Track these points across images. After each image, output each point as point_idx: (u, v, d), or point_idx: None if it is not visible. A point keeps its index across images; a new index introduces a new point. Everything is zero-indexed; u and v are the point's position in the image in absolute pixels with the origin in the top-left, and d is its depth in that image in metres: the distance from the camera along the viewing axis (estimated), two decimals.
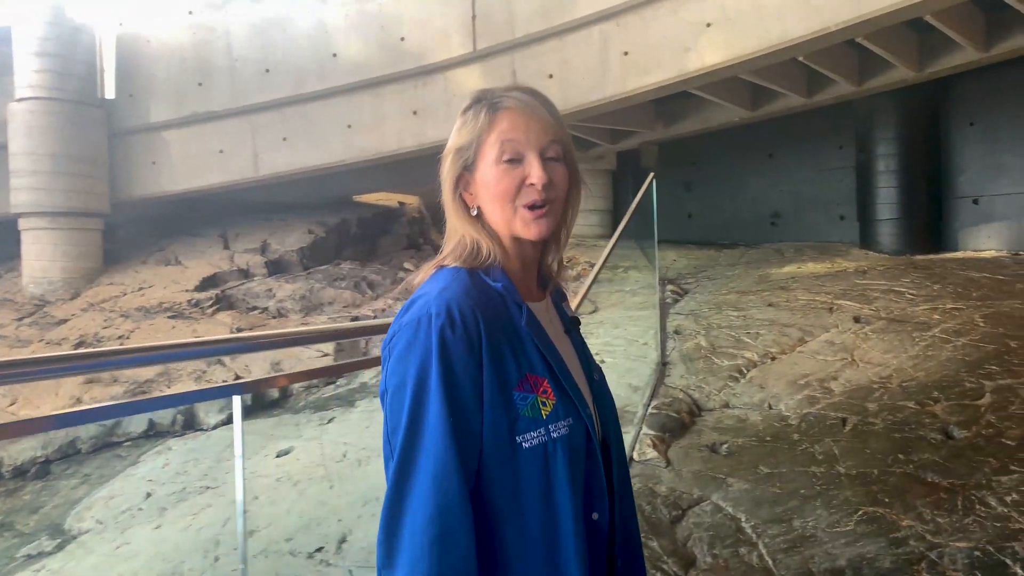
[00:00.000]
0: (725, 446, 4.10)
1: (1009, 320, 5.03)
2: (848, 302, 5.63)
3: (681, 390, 4.72)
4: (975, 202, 7.06)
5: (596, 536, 1.09)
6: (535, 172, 1.08)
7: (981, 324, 5.05)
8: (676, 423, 4.32)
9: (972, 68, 6.57)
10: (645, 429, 4.24)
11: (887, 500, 3.52)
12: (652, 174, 5.66)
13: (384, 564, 1.00)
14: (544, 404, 1.06)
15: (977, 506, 3.39)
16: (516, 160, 1.09)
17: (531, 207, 1.09)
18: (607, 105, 6.65)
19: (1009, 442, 3.77)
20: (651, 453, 4.02)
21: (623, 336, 5.67)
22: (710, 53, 5.90)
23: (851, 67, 6.86)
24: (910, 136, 7.22)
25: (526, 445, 1.03)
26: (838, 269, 6.50)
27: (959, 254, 6.90)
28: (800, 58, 6.13)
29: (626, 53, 6.33)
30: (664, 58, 6.13)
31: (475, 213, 1.14)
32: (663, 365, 5.06)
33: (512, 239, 1.13)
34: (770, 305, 5.82)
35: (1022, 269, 6.02)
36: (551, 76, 6.81)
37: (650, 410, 4.45)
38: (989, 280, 5.83)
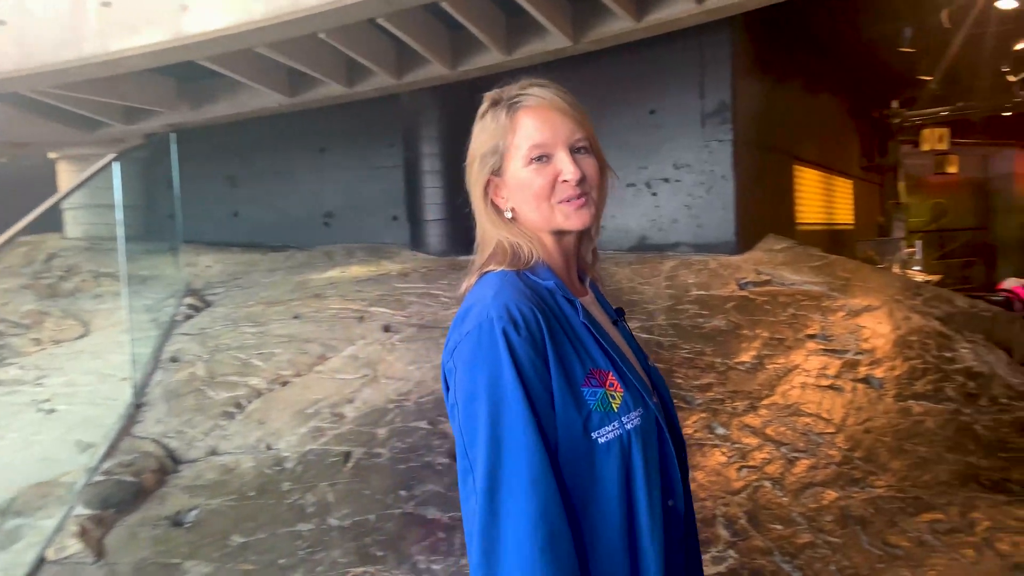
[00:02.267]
0: (194, 513, 3.10)
1: None
2: (382, 309, 5.10)
3: (154, 439, 3.59)
4: None
5: (673, 523, 1.07)
6: (568, 168, 1.07)
7: None
8: (130, 491, 3.18)
9: (503, 71, 6.68)
10: (78, 509, 3.01)
11: (380, 554, 2.87)
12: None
13: None
14: (613, 397, 1.03)
15: None
16: (545, 159, 1.07)
17: (569, 200, 1.07)
18: (88, 68, 5.16)
19: None
20: (73, 546, 2.81)
21: (98, 370, 4.30)
22: (214, 14, 4.86)
23: (389, 58, 6.47)
24: (454, 136, 7.14)
25: (602, 440, 1.01)
26: (382, 273, 6.01)
27: None
28: (323, 36, 5.46)
29: (106, 3, 4.93)
30: (157, 15, 4.91)
31: (509, 216, 1.12)
32: (136, 407, 3.86)
33: (552, 235, 1.11)
34: (296, 317, 5.01)
35: None
36: (3, 23, 5.05)
37: (96, 477, 3.23)
38: None
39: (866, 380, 4.62)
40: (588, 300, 1.17)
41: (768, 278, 5.89)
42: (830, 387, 4.47)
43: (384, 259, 6.66)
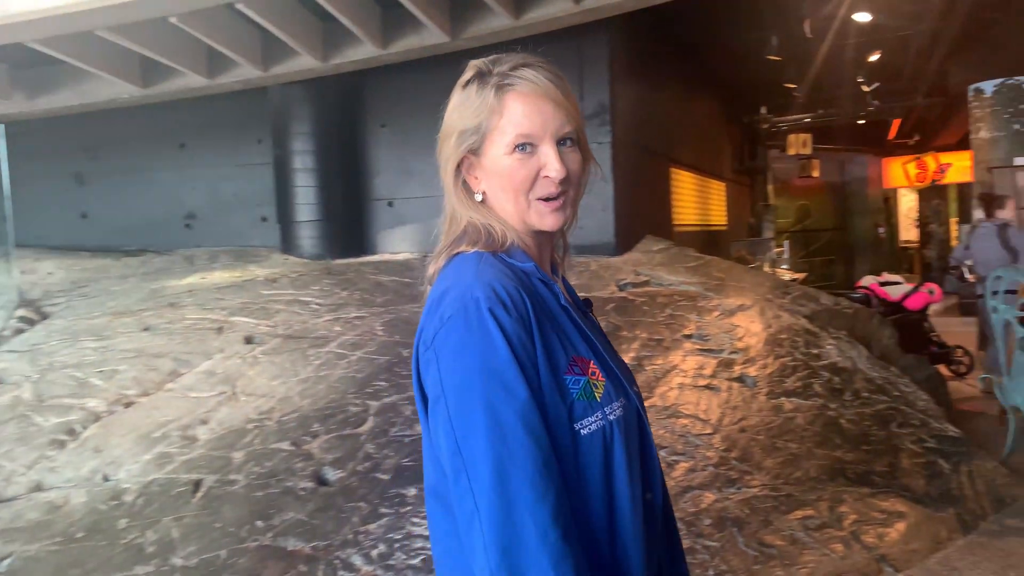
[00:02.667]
0: (7, 563, 2.67)
1: (406, 326, 4.74)
2: (244, 318, 4.71)
3: None
4: (390, 204, 6.99)
5: (652, 516, 1.05)
6: (553, 165, 1.01)
7: (380, 333, 4.64)
8: None
9: (379, 66, 6.39)
10: None
11: None
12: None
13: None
14: (596, 386, 0.98)
15: (340, 572, 2.68)
16: (530, 148, 1.01)
17: (547, 199, 1.02)
18: None
19: (383, 476, 3.23)
20: None
21: None
22: None
23: (254, 49, 6.05)
24: (327, 133, 6.79)
25: (584, 432, 0.96)
26: (247, 278, 5.58)
27: (376, 257, 6.72)
28: (176, 22, 4.99)
29: None
30: None
31: (479, 199, 1.06)
32: None
33: (523, 225, 1.05)
34: (146, 329, 4.54)
35: None
36: None
37: None
38: (396, 284, 5.60)
39: (740, 379, 4.69)
40: (561, 289, 1.10)
41: (647, 279, 5.93)
42: (707, 387, 4.51)
43: (251, 263, 6.21)
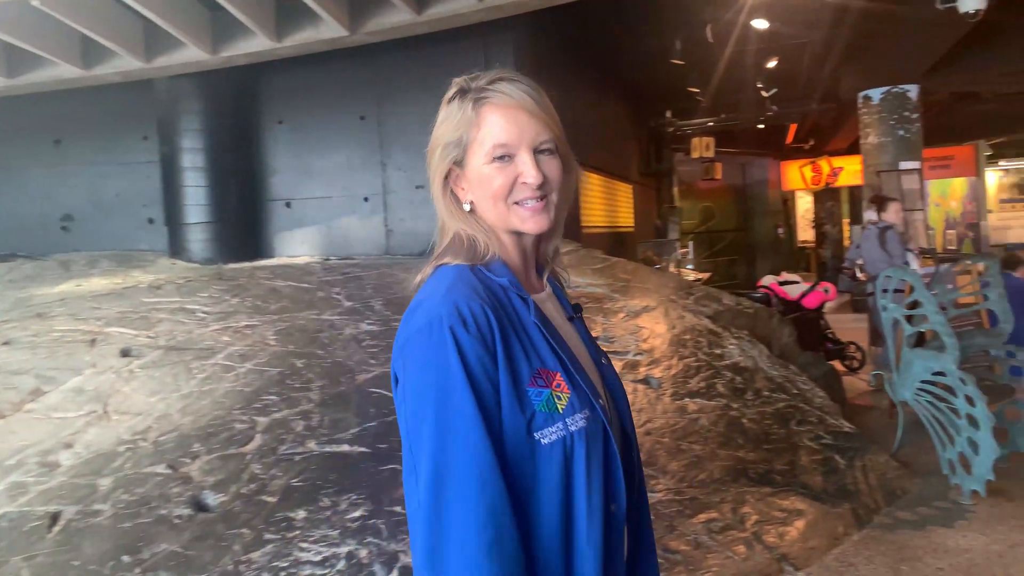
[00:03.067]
0: None
1: (301, 335, 4.48)
2: (122, 329, 4.34)
3: None
4: (288, 205, 6.67)
5: (615, 527, 1.07)
6: (529, 171, 1.06)
7: (272, 343, 4.37)
8: None
9: (275, 59, 6.07)
10: None
11: None
12: None
13: None
14: (559, 398, 1.02)
15: None
16: (508, 158, 1.06)
17: (526, 202, 1.07)
18: None
19: (270, 498, 3.00)
20: None
21: None
22: None
23: (135, 38, 5.63)
24: (219, 130, 6.41)
25: (544, 441, 1.00)
26: (128, 285, 5.17)
27: (274, 261, 6.40)
28: (40, 5, 4.56)
29: None
30: None
31: (468, 208, 1.11)
32: None
33: (509, 233, 1.11)
34: (7, 343, 4.11)
35: (328, 275, 5.74)
36: None
37: None
38: (292, 289, 5.32)
39: (646, 380, 4.68)
40: (543, 297, 1.15)
41: None
42: None
43: (135, 269, 5.78)
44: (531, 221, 1.08)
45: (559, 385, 1.04)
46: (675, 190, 12.62)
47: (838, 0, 6.81)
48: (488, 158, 1.07)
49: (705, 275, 10.53)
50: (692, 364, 4.93)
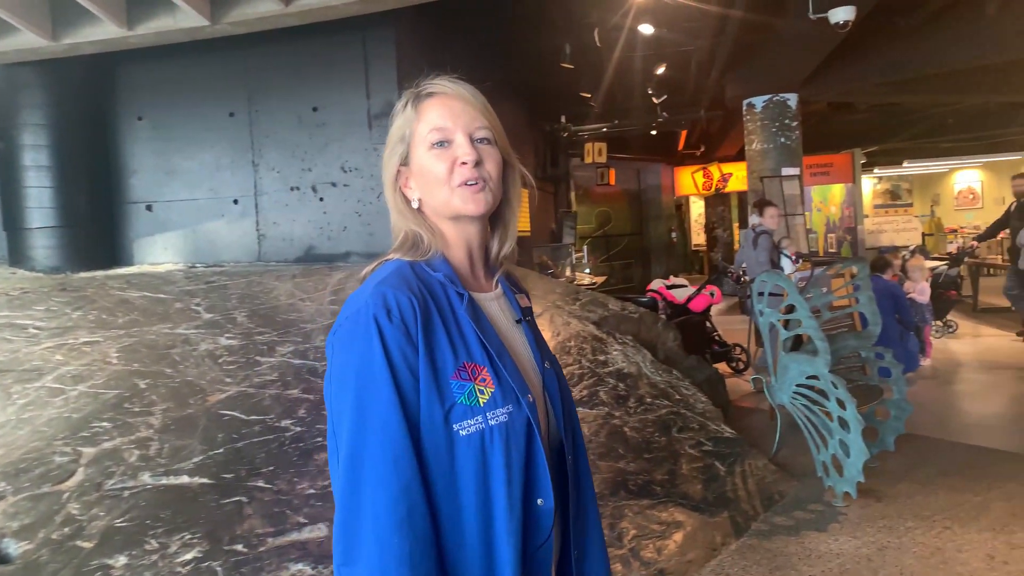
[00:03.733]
0: None
1: (149, 352, 4.05)
2: None
3: None
4: (149, 208, 6.13)
5: (542, 521, 1.10)
6: (463, 150, 1.12)
7: (114, 361, 3.92)
8: None
9: (131, 50, 5.55)
10: None
11: None
12: None
13: (344, 560, 0.98)
14: (482, 392, 1.06)
15: None
16: (446, 143, 1.13)
17: (466, 183, 1.11)
18: None
19: (86, 543, 2.61)
20: None
21: None
22: None
23: None
24: (68, 125, 5.81)
25: (463, 433, 1.04)
26: None
27: (132, 269, 5.86)
28: None
29: None
30: None
31: (416, 206, 1.17)
32: None
33: (454, 225, 1.16)
34: None
35: (191, 285, 5.28)
36: None
37: None
38: (147, 300, 4.84)
39: None
40: (489, 296, 1.19)
41: None
42: None
43: None
44: (471, 201, 1.12)
45: (484, 379, 1.07)
46: (572, 195, 12.64)
47: (718, 10, 6.91)
48: (427, 144, 1.13)
49: (601, 279, 10.57)
50: (575, 372, 4.81)
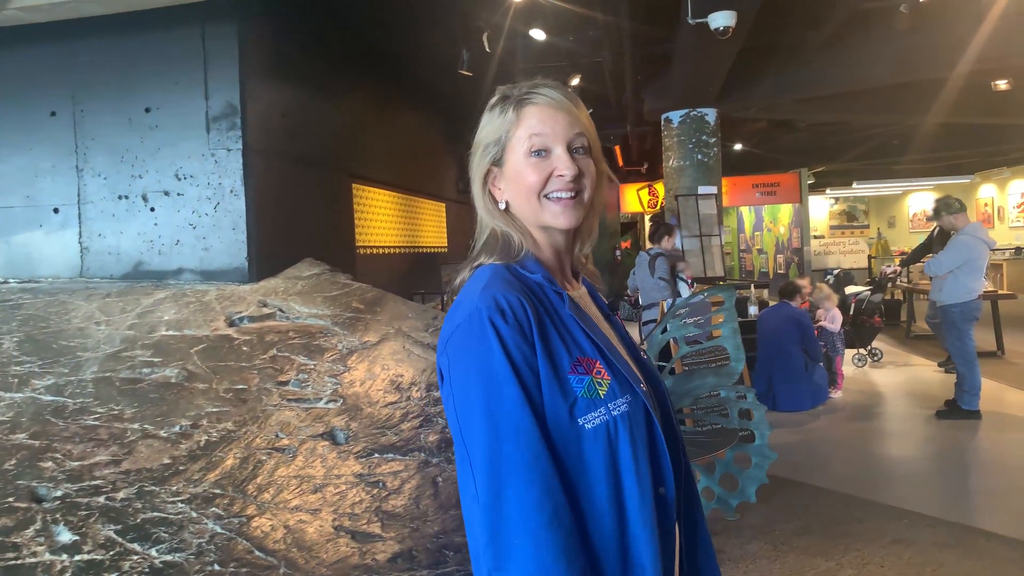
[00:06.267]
0: None
1: None
2: None
3: None
4: None
5: (665, 510, 1.12)
6: (564, 163, 1.12)
7: None
8: None
9: None
10: None
11: None
12: None
13: (496, 566, 0.98)
14: (600, 384, 1.08)
15: None
16: (544, 153, 1.13)
17: (559, 198, 1.13)
18: None
19: None
20: None
21: None
22: None
23: None
24: None
25: (588, 426, 1.05)
26: None
27: None
28: None
29: None
30: None
31: (503, 207, 1.18)
32: None
33: (542, 230, 1.17)
34: None
35: None
36: None
37: None
38: None
39: (331, 434, 3.93)
40: (579, 295, 1.22)
41: (272, 311, 5.03)
42: (278, 450, 3.68)
43: None
44: (562, 216, 1.13)
45: (599, 372, 1.08)
46: None
47: (603, 17, 6.44)
48: (526, 153, 1.13)
49: None
50: (398, 413, 4.23)
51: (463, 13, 6.94)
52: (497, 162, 1.17)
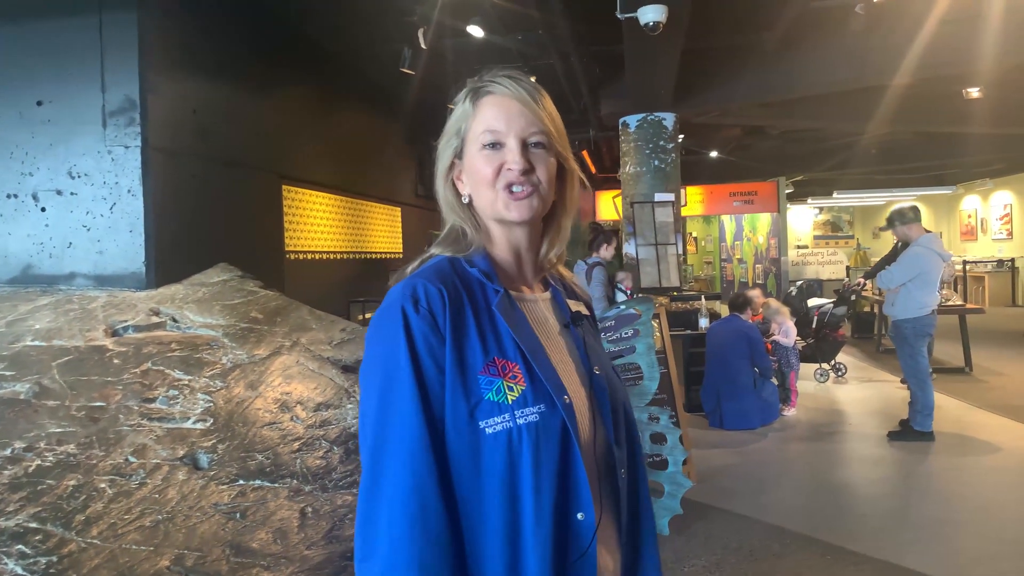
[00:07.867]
0: None
1: None
2: None
3: None
4: None
5: (581, 535, 1.03)
6: (511, 157, 1.10)
7: None
8: None
9: None
10: None
11: None
12: None
13: (364, 555, 0.97)
14: (511, 389, 1.03)
15: None
16: (498, 145, 1.11)
17: (511, 191, 1.10)
18: None
19: None
20: None
21: None
22: None
23: None
24: None
25: (489, 431, 1.01)
26: None
27: None
28: None
29: None
30: None
31: (467, 200, 1.17)
32: None
33: (500, 225, 1.15)
34: None
35: None
36: None
37: None
38: None
39: (193, 459, 3.56)
40: (535, 297, 1.18)
41: (163, 320, 4.66)
42: (123, 476, 3.30)
43: None
44: (514, 208, 1.10)
45: (514, 376, 1.03)
46: None
47: (544, 17, 6.12)
48: (479, 144, 1.11)
49: None
50: (275, 435, 3.86)
51: (398, 8, 6.61)
52: (459, 154, 1.16)
